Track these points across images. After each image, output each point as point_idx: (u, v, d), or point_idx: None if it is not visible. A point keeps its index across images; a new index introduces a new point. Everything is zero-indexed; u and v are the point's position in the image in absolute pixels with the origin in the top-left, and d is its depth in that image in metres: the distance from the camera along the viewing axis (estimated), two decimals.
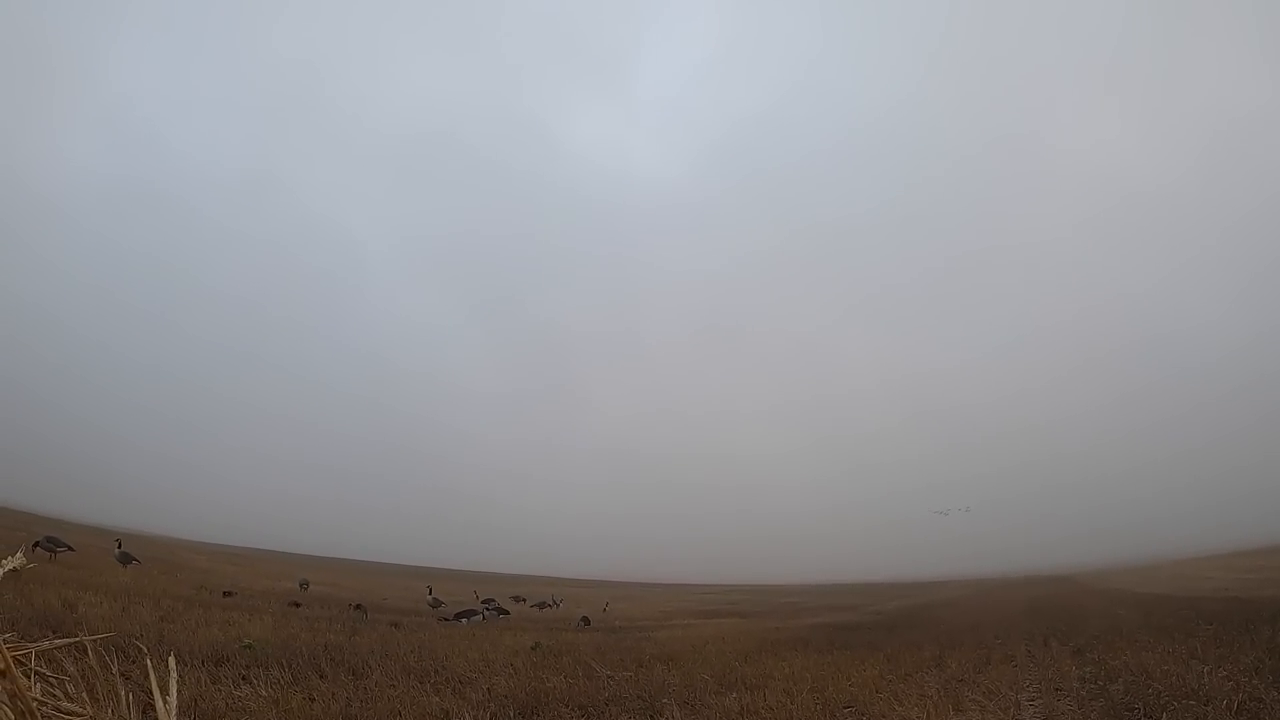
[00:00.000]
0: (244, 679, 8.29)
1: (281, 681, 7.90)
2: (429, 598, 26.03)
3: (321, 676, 9.36)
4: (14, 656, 2.10)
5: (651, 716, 8.72)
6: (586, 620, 23.09)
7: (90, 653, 2.44)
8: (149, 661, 2.72)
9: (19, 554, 2.54)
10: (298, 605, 20.05)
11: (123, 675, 2.95)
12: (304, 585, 29.04)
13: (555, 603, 29.68)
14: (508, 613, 24.29)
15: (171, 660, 2.66)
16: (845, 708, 9.47)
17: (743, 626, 23.43)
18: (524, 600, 30.27)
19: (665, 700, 9.18)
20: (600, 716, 8.53)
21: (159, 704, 2.18)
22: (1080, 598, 33.93)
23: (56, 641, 2.26)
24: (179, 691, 7.06)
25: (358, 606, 21.02)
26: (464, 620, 20.80)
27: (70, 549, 22.11)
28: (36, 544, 21.78)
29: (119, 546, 25.63)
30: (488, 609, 23.10)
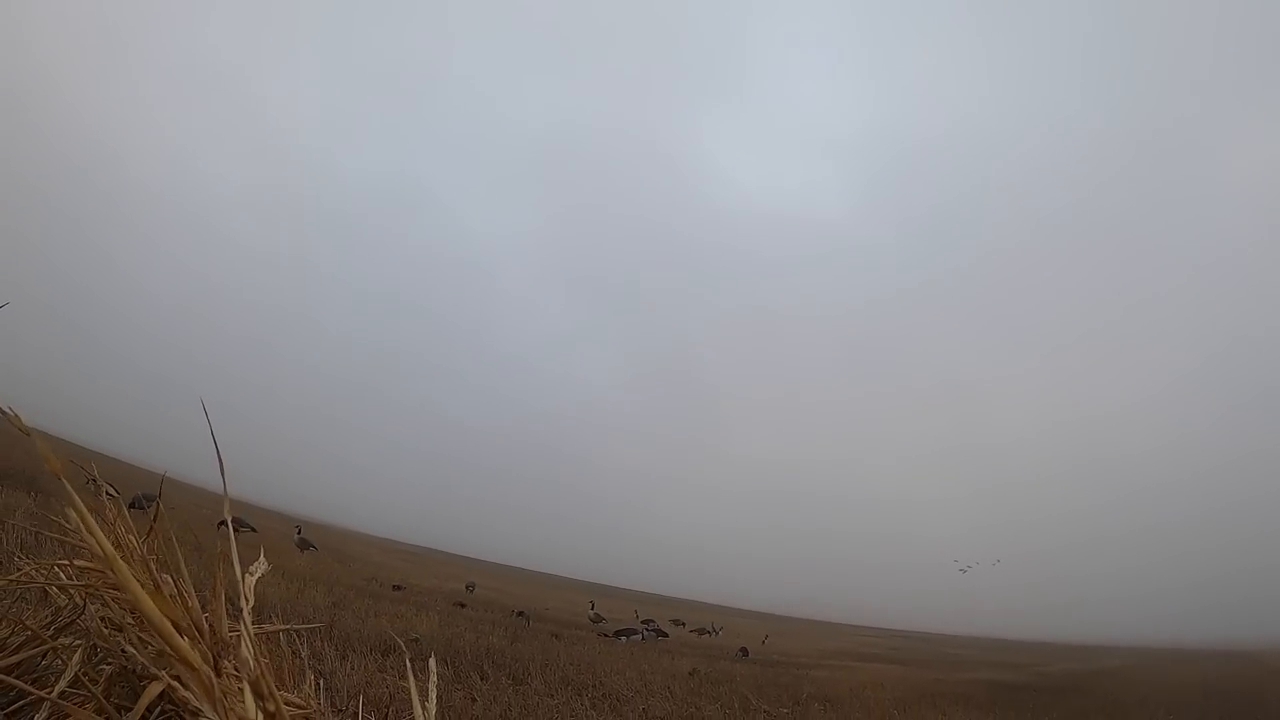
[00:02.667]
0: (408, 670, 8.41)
1: (444, 678, 7.99)
2: (590, 612, 26.17)
3: (483, 678, 9.48)
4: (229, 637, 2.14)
5: None
6: (745, 651, 22.83)
7: (281, 636, 2.47)
8: (408, 661, 2.73)
9: (262, 558, 2.60)
10: (463, 606, 20.41)
11: (311, 657, 3.01)
12: (470, 587, 29.60)
13: (715, 630, 29.48)
14: (667, 635, 24.21)
15: (432, 662, 2.66)
16: None
17: (902, 674, 22.82)
18: (683, 624, 30.16)
19: None
20: None
21: (418, 709, 2.18)
22: (1263, 679, 31.78)
23: (278, 626, 2.29)
24: (351, 674, 7.26)
25: (520, 613, 21.28)
26: (624, 638, 20.82)
27: (253, 529, 23.08)
28: (221, 523, 22.78)
29: (298, 532, 26.65)
30: (648, 629, 23.08)
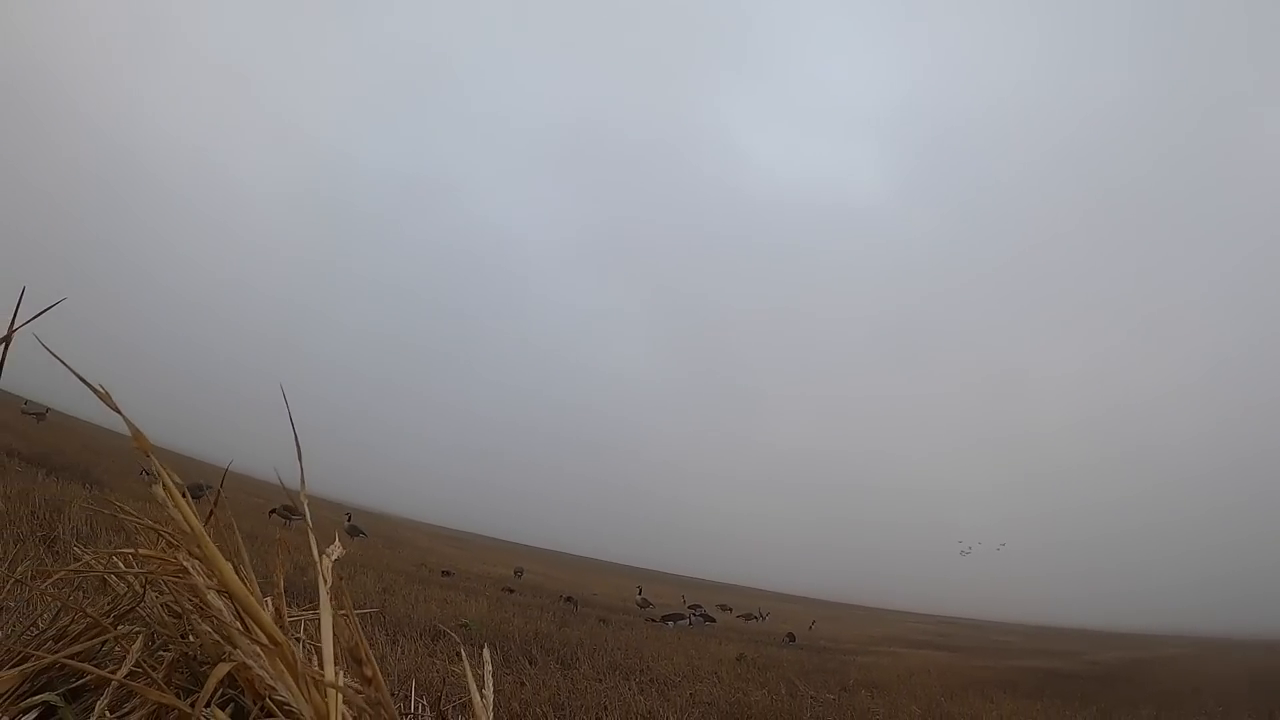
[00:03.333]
0: (458, 655, 8.50)
1: (494, 662, 8.06)
2: (638, 597, 26.24)
3: (531, 663, 9.56)
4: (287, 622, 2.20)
5: None
6: (792, 636, 22.79)
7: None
8: (462, 650, 2.80)
9: (336, 543, 2.65)
10: (511, 591, 20.55)
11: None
12: (519, 572, 29.80)
13: (761, 615, 29.46)
14: (714, 620, 24.22)
15: (486, 652, 2.72)
16: None
17: (950, 661, 22.68)
18: (730, 610, 30.16)
19: None
20: None
21: (475, 698, 2.23)
22: None
23: (330, 610, 2.34)
24: (402, 659, 7.36)
25: (568, 599, 21.38)
26: (671, 624, 20.87)
27: (304, 518, 23.24)
28: (273, 511, 23.12)
29: (348, 519, 26.95)
30: (695, 614, 23.10)
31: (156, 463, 2.05)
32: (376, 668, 1.72)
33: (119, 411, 1.99)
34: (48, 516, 8.83)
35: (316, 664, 2.13)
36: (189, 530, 2.15)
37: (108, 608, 2.64)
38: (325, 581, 2.29)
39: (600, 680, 9.03)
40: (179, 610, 2.51)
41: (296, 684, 2.00)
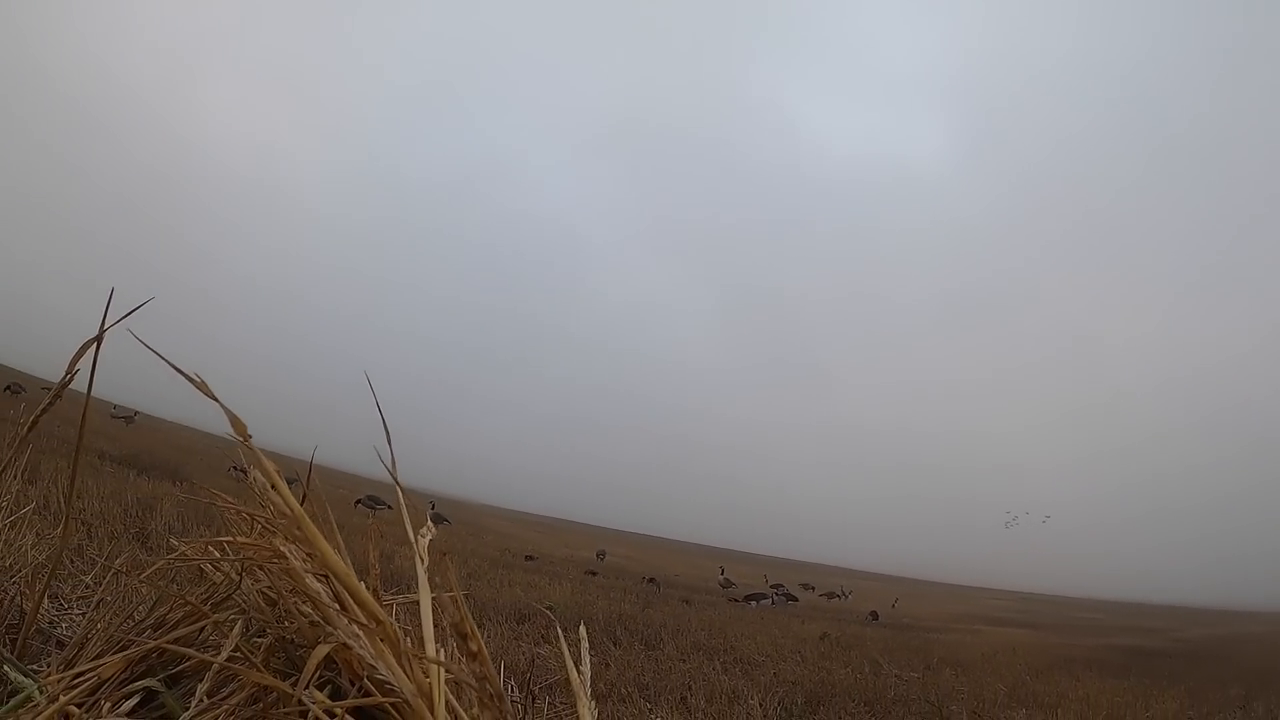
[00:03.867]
0: (543, 638, 8.65)
1: (578, 643, 8.17)
2: (720, 578, 26.29)
3: (616, 644, 9.67)
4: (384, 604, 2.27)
5: None
6: (875, 615, 22.67)
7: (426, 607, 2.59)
8: (559, 630, 2.88)
9: (429, 523, 2.73)
10: (594, 574, 20.70)
11: (452, 628, 3.15)
12: (601, 555, 30.02)
13: (844, 594, 29.36)
14: (796, 599, 24.19)
15: (582, 629, 2.79)
16: None
17: (1035, 639, 22.38)
18: (813, 589, 30.12)
19: (954, 708, 8.94)
20: (887, 715, 8.39)
21: (573, 675, 2.31)
22: None
23: (408, 596, 2.41)
24: (488, 642, 7.49)
25: (651, 580, 21.49)
26: (753, 603, 20.89)
27: (389, 507, 23.70)
28: (359, 501, 23.56)
29: (432, 507, 27.33)
30: (777, 594, 23.10)
31: (254, 448, 2.10)
32: (481, 642, 1.77)
33: (215, 399, 2.04)
34: (140, 514, 9.09)
35: (415, 645, 2.21)
36: (288, 513, 2.19)
37: (205, 595, 2.71)
38: (422, 560, 2.36)
39: (684, 660, 9.11)
40: (275, 596, 2.58)
41: (398, 662, 2.06)
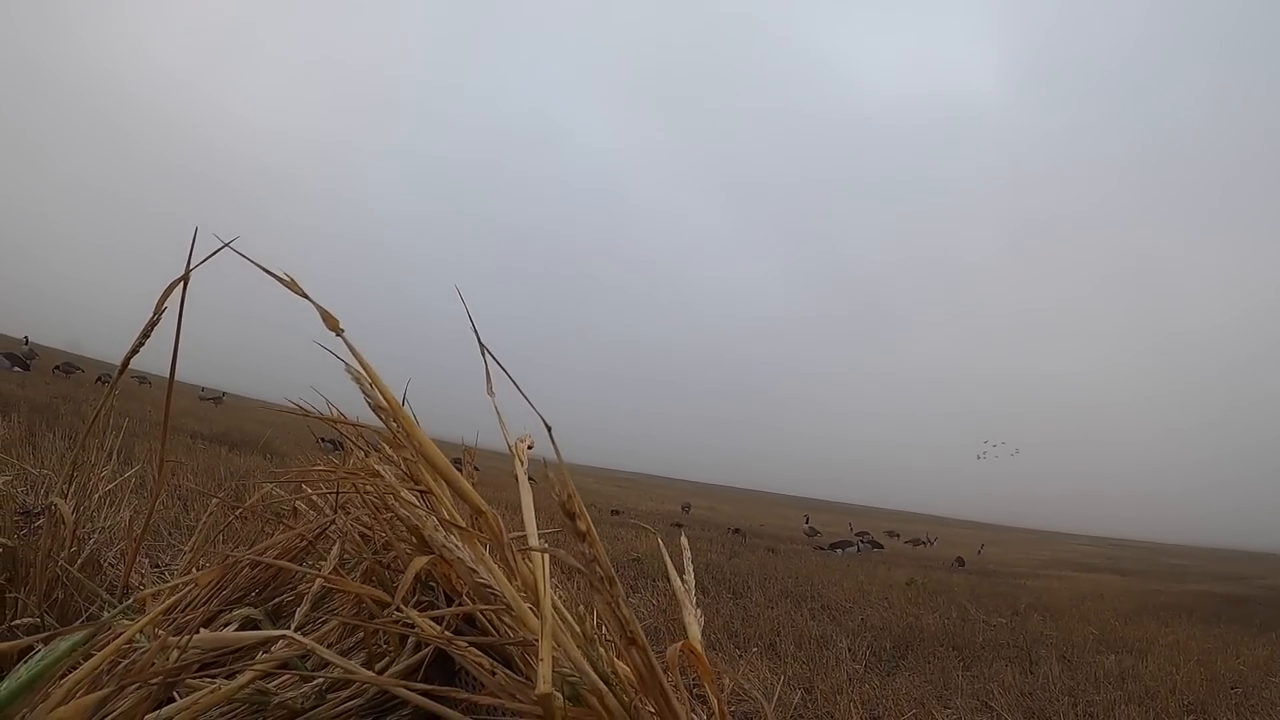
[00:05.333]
0: (633, 589, 8.82)
1: (667, 593, 8.36)
2: (805, 526, 26.34)
3: (704, 593, 9.83)
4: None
5: (1028, 666, 8.58)
6: (961, 561, 22.59)
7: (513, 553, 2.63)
8: (659, 541, 2.99)
9: (527, 434, 2.83)
10: (680, 526, 20.84)
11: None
12: (686, 508, 30.22)
13: (929, 541, 29.25)
14: (882, 547, 24.19)
15: (684, 538, 2.89)
16: (1232, 687, 8.83)
17: (1122, 585, 22.14)
18: (898, 536, 30.06)
19: (1043, 652, 8.96)
20: (976, 660, 8.46)
21: (675, 581, 2.39)
22: None
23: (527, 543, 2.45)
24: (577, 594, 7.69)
25: (736, 530, 21.61)
26: (839, 551, 20.95)
27: (476, 469, 23.90)
28: (455, 460, 23.95)
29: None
30: (862, 542, 23.12)
31: (352, 345, 2.10)
32: (590, 523, 1.78)
33: (306, 296, 2.03)
34: (235, 486, 9.43)
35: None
36: (385, 405, 2.20)
37: (300, 534, 2.83)
38: (521, 462, 2.35)
39: (772, 607, 9.24)
40: (370, 532, 2.68)
41: (499, 561, 2.08)
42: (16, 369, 24.04)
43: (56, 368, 26.06)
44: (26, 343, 28.44)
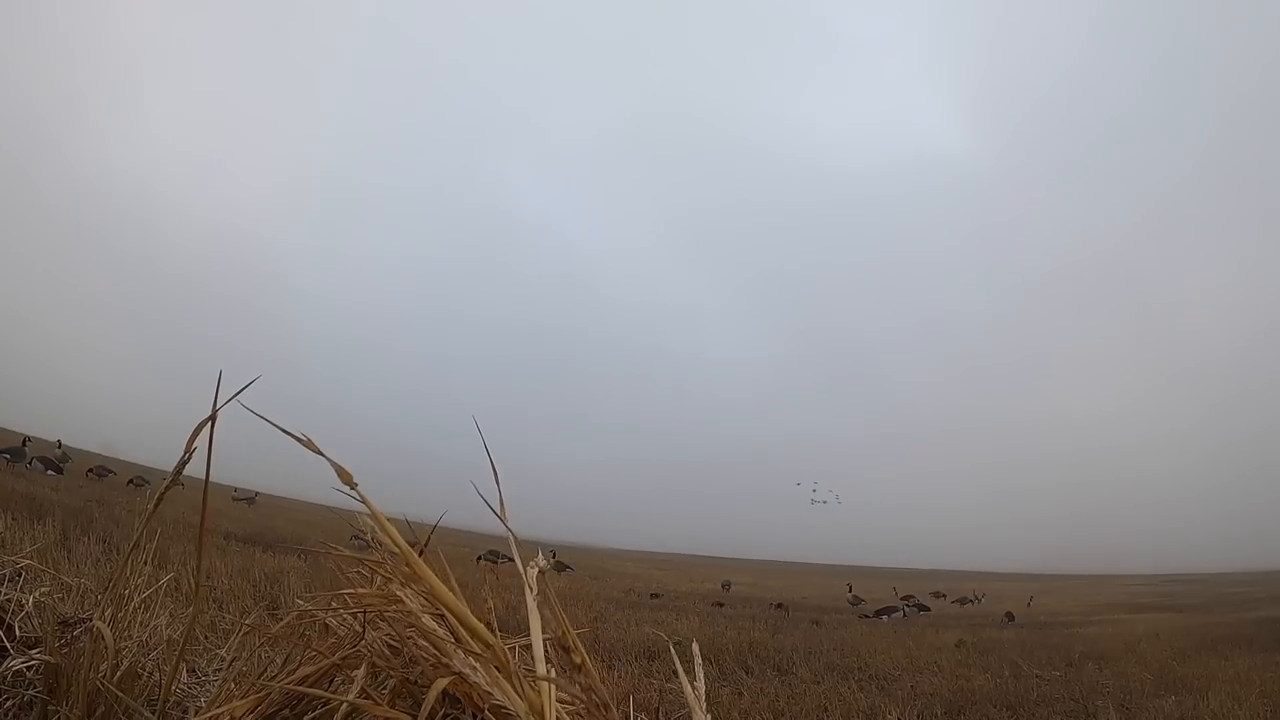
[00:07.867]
0: (674, 673, 8.63)
1: (709, 676, 8.18)
2: (849, 595, 25.98)
3: (747, 672, 9.65)
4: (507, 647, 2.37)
5: (1085, 719, 8.34)
6: (1010, 616, 22.22)
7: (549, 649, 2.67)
8: (672, 650, 2.98)
9: (540, 555, 2.83)
10: (721, 605, 20.65)
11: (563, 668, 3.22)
12: (726, 585, 29.86)
13: (977, 598, 28.75)
14: (928, 609, 23.80)
15: (695, 646, 2.90)
16: None
17: (1179, 621, 21.67)
18: (944, 596, 29.57)
19: (1099, 702, 8.73)
20: (1030, 717, 8.25)
21: (688, 691, 2.43)
22: None
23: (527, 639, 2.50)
24: (619, 681, 7.55)
25: (779, 605, 21.35)
26: (885, 617, 20.65)
27: (510, 560, 23.86)
28: (480, 557, 23.83)
29: (553, 556, 27.49)
30: (908, 605, 22.79)
31: (363, 493, 2.22)
32: (585, 654, 1.86)
33: (322, 454, 2.16)
34: (269, 587, 9.37)
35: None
36: (397, 551, 2.34)
37: (331, 648, 2.84)
38: (531, 589, 2.46)
39: (818, 682, 9.06)
40: (398, 645, 2.69)
41: (510, 685, 2.14)
42: (50, 472, 24.09)
43: (90, 470, 26.13)
44: (60, 446, 28.49)
